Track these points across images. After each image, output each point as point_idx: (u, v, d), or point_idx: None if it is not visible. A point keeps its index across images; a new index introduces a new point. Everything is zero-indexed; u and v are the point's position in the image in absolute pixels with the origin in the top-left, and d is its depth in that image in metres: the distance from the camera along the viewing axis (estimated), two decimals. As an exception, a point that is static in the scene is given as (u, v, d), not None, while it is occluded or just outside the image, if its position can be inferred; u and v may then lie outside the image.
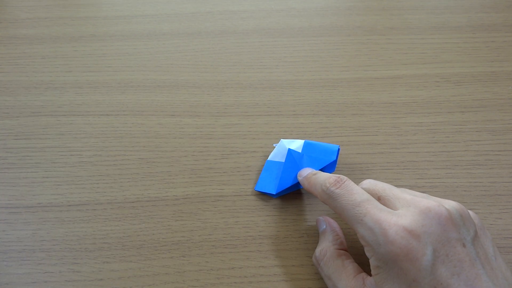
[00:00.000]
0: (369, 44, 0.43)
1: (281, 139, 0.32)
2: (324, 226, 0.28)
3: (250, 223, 0.30)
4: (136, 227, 0.30)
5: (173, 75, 0.40)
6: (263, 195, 0.31)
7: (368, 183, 0.25)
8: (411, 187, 0.32)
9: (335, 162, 0.30)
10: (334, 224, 0.28)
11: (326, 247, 0.26)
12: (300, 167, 0.30)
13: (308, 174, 0.28)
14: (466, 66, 0.40)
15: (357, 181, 0.32)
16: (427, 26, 0.45)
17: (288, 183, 0.30)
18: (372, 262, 0.22)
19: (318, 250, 0.26)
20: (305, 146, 0.31)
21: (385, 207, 0.23)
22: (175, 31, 0.45)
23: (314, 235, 0.29)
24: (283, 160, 0.30)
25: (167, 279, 0.27)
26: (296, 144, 0.31)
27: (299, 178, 0.28)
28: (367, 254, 0.22)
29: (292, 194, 0.31)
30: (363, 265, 0.27)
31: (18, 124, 0.36)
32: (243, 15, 0.47)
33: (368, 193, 0.24)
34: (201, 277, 0.27)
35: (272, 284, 0.27)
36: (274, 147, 0.33)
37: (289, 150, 0.30)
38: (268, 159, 0.32)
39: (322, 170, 0.30)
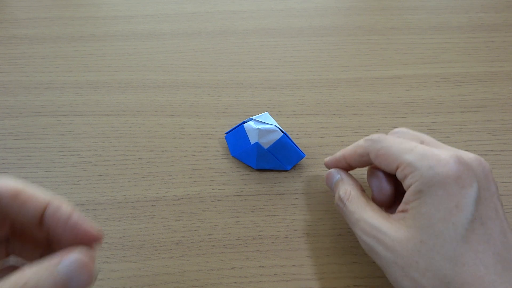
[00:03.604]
0: (369, 44, 0.43)
1: (266, 112, 0.32)
2: (339, 176, 0.27)
3: (250, 223, 0.30)
4: (136, 227, 0.30)
5: (173, 75, 0.40)
6: (263, 195, 0.31)
7: (406, 128, 0.26)
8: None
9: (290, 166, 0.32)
10: (349, 174, 0.27)
11: (349, 188, 0.26)
12: (256, 159, 0.31)
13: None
14: (466, 66, 0.40)
15: (358, 180, 0.32)
16: (427, 26, 0.45)
17: (241, 158, 0.32)
18: (414, 188, 0.22)
19: (341, 191, 0.26)
20: (277, 143, 0.31)
21: None
22: (175, 31, 0.45)
23: (314, 235, 0.29)
24: (251, 142, 0.31)
25: (167, 279, 0.27)
26: (270, 138, 0.31)
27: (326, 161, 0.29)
28: (410, 181, 0.22)
29: (292, 194, 0.31)
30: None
31: (18, 124, 0.36)
32: (243, 15, 0.47)
33: (409, 135, 0.25)
34: (201, 277, 0.27)
35: (272, 284, 0.27)
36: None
37: (257, 143, 0.31)
38: (245, 124, 0.32)
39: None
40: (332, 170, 0.28)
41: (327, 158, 0.29)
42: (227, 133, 0.34)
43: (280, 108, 0.37)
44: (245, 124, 0.32)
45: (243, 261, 0.28)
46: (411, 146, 0.23)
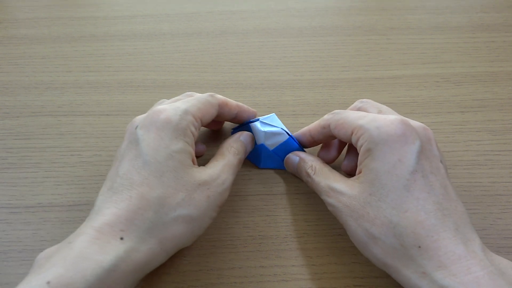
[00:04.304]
0: (369, 44, 0.43)
1: (273, 114, 0.32)
2: (298, 158, 0.30)
3: (250, 223, 0.30)
4: (136, 227, 0.29)
5: (173, 75, 0.40)
6: (263, 195, 0.31)
7: (370, 100, 0.29)
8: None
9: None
10: (308, 153, 0.30)
11: (313, 163, 0.28)
12: (261, 159, 0.32)
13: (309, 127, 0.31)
14: (466, 66, 0.40)
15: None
16: (427, 26, 0.45)
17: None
18: (364, 148, 0.24)
19: (308, 168, 0.28)
20: (282, 145, 0.31)
21: None
22: (175, 31, 0.45)
23: (314, 235, 0.29)
24: (257, 143, 0.32)
25: (167, 279, 0.27)
26: (276, 140, 0.31)
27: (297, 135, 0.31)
28: (361, 142, 0.24)
29: (292, 194, 0.31)
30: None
31: (18, 124, 0.36)
32: (243, 15, 0.47)
33: (370, 104, 0.28)
34: (201, 277, 0.27)
35: (272, 284, 0.27)
36: None
37: (263, 144, 0.31)
38: (252, 124, 0.31)
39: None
40: (289, 155, 0.31)
41: (296, 132, 0.32)
42: (234, 129, 0.34)
43: (280, 108, 0.37)
44: (251, 124, 0.31)
45: (243, 261, 0.28)
46: (365, 114, 0.25)
